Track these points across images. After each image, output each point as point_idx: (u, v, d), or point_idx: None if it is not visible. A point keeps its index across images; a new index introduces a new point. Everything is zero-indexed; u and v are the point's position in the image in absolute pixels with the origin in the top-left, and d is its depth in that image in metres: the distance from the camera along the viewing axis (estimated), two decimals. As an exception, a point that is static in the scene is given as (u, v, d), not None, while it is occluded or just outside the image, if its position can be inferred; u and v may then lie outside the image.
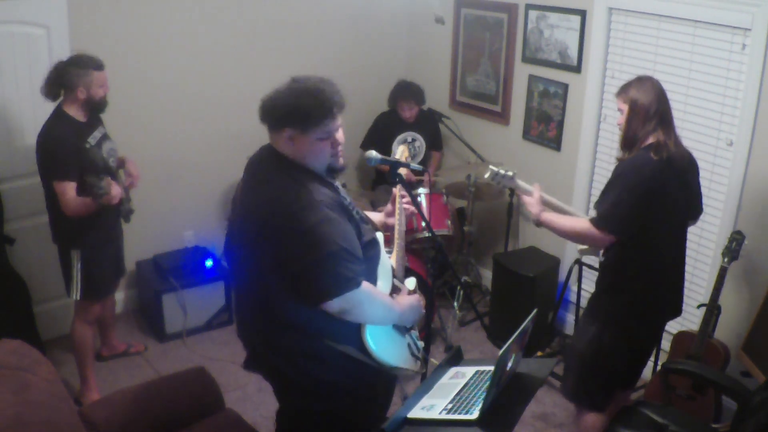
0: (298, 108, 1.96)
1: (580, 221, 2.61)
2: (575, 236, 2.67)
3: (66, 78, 3.04)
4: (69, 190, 3.00)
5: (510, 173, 2.80)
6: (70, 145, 3.02)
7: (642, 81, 2.57)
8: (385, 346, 2.14)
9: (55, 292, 3.83)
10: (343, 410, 2.19)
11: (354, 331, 2.08)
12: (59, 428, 1.85)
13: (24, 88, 3.51)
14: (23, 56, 3.47)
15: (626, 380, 2.85)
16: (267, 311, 2.06)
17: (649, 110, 2.49)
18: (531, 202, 2.76)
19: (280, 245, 1.94)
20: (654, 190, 2.46)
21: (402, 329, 2.29)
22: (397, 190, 2.50)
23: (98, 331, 3.72)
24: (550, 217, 2.71)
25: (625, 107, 2.54)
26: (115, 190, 3.00)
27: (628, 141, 2.55)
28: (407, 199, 2.52)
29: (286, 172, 2.00)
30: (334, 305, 1.97)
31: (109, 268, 3.37)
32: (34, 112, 3.55)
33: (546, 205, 2.80)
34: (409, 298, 2.26)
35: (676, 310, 2.75)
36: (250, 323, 2.19)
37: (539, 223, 2.72)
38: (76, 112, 3.09)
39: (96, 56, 3.12)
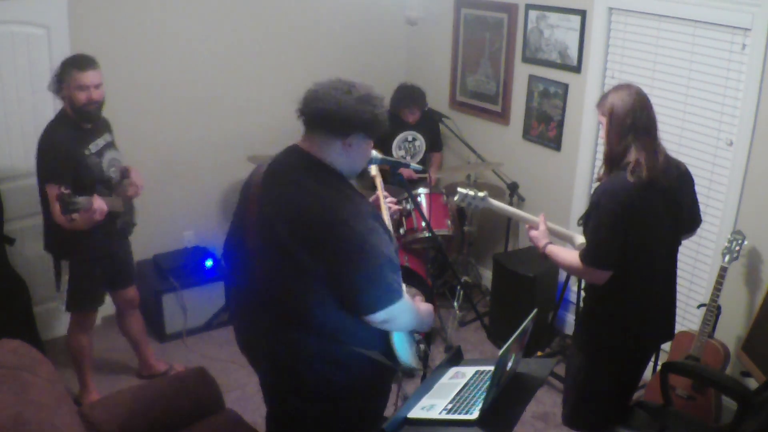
0: (376, 116, 1.95)
1: (576, 257, 2.46)
2: (573, 273, 2.57)
3: (59, 76, 2.92)
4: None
5: (481, 194, 2.72)
6: (65, 150, 2.90)
7: (620, 90, 2.38)
8: (405, 347, 2.15)
9: (55, 292, 3.83)
10: (348, 411, 2.17)
11: (380, 336, 2.08)
12: (59, 428, 1.85)
13: (24, 88, 3.51)
14: (23, 56, 3.47)
15: (619, 403, 2.80)
16: (294, 317, 2.00)
17: (624, 121, 2.31)
18: (536, 236, 2.65)
19: (329, 255, 1.90)
20: (632, 215, 2.31)
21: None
22: (380, 190, 2.48)
23: (133, 350, 3.65)
24: (552, 250, 2.59)
25: (604, 120, 2.38)
26: (98, 203, 2.83)
27: (609, 159, 2.41)
28: (390, 199, 2.51)
29: (327, 180, 1.97)
30: (379, 316, 1.96)
31: (100, 283, 3.24)
32: (35, 112, 3.55)
33: (553, 234, 2.70)
34: (427, 305, 2.26)
35: (667, 335, 2.66)
36: (265, 327, 2.08)
37: (544, 257, 2.63)
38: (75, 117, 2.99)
39: (89, 57, 2.96)
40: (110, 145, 3.16)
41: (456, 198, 2.75)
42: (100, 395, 3.30)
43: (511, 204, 4.24)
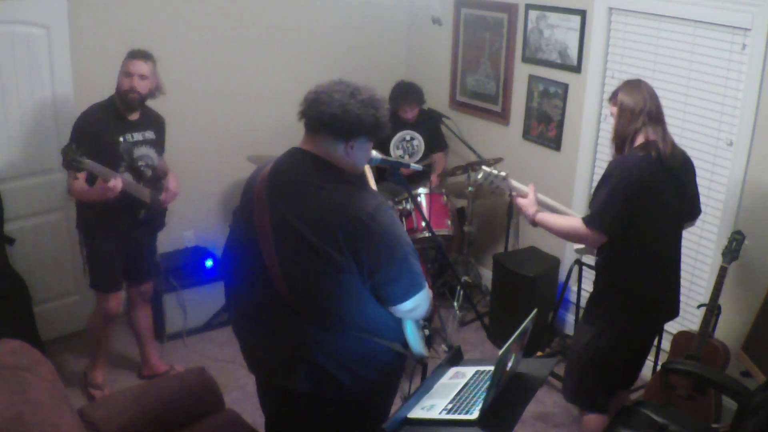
0: (379, 119, 1.96)
1: (573, 220, 2.62)
2: (568, 235, 2.67)
3: None
4: (78, 172, 3.00)
5: (503, 174, 2.79)
6: (93, 130, 3.01)
7: (630, 83, 2.58)
8: (415, 336, 2.16)
9: (55, 292, 3.83)
10: (368, 409, 2.16)
11: (398, 327, 2.10)
12: (59, 428, 1.85)
13: (24, 88, 3.50)
14: (23, 56, 3.47)
15: (625, 380, 2.86)
16: (325, 316, 1.97)
17: (634, 109, 2.49)
18: (525, 204, 2.75)
19: (360, 249, 1.89)
20: (643, 188, 2.45)
21: None
22: (371, 181, 2.49)
23: (137, 347, 3.68)
24: (544, 216, 2.71)
25: (615, 110, 2.57)
26: (113, 182, 2.91)
27: (618, 141, 2.56)
28: None
29: (340, 178, 1.97)
30: (407, 305, 2.00)
31: (114, 266, 3.30)
32: (34, 113, 3.56)
33: (541, 205, 2.79)
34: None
35: (673, 311, 2.74)
36: (296, 334, 2.02)
37: (534, 224, 2.73)
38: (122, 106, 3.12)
39: (145, 51, 3.13)
40: (150, 142, 3.25)
41: (480, 176, 2.83)
42: (105, 378, 3.32)
43: (511, 203, 4.25)
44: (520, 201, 2.77)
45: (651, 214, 2.50)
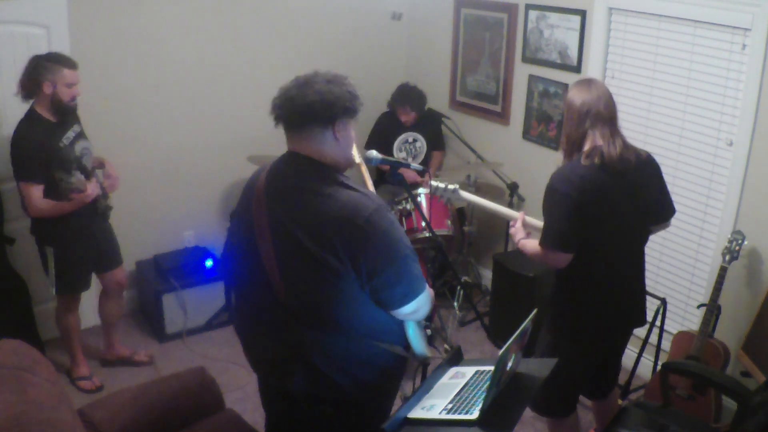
0: (351, 93, 1.95)
1: (536, 243, 2.49)
2: (537, 260, 2.55)
3: (37, 70, 3.04)
4: (34, 191, 3.04)
5: (451, 187, 2.75)
6: (38, 146, 3.03)
7: (580, 83, 2.47)
8: (418, 337, 2.15)
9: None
10: (369, 411, 2.15)
11: (399, 329, 2.09)
12: (59, 428, 1.85)
13: (24, 88, 3.50)
14: (23, 56, 3.45)
15: (593, 391, 2.82)
16: (324, 320, 1.97)
17: (581, 111, 2.37)
18: (513, 233, 2.69)
19: (357, 255, 1.88)
20: (585, 197, 2.33)
21: None
22: (367, 180, 2.49)
23: (102, 331, 3.75)
24: (523, 243, 2.62)
25: (565, 111, 2.47)
26: (91, 188, 3.03)
27: (567, 145, 2.46)
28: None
29: (336, 181, 1.95)
30: (408, 308, 1.98)
31: (85, 265, 3.39)
32: (34, 112, 3.55)
33: (531, 228, 2.70)
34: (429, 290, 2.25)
35: (638, 319, 2.65)
36: (295, 336, 2.01)
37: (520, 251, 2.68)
38: (47, 113, 3.11)
39: (72, 58, 3.13)
40: (80, 135, 3.29)
41: (429, 190, 2.81)
42: (102, 394, 3.32)
43: (511, 204, 4.25)
44: (511, 230, 2.72)
45: (600, 224, 2.38)
